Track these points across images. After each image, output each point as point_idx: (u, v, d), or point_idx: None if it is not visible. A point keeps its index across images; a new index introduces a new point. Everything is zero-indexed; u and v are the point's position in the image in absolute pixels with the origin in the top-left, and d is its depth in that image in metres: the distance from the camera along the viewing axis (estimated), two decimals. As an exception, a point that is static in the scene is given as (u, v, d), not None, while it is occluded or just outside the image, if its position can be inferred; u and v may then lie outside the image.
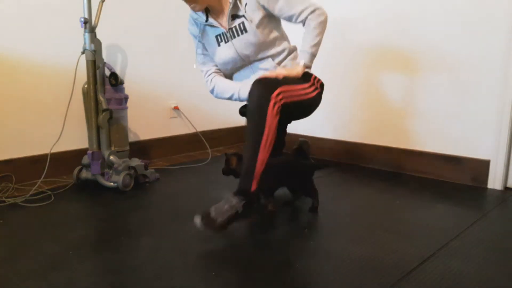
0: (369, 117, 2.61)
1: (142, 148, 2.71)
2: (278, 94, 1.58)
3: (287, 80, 1.67)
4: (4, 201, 1.95)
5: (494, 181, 2.17)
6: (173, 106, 2.87)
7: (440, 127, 2.33)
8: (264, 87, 1.59)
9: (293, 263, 1.39)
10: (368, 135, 2.62)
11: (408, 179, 2.34)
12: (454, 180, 2.30)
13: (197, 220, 1.53)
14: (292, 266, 1.37)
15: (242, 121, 3.35)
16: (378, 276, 1.31)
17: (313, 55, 1.75)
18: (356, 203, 1.97)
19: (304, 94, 1.73)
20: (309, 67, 1.78)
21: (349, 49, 2.64)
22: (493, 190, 2.15)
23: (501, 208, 1.90)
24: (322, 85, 1.86)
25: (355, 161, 2.68)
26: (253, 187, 1.58)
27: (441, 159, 2.33)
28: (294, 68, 1.74)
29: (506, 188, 2.18)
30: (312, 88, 1.78)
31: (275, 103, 1.57)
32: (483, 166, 2.20)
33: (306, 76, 1.78)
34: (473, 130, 2.22)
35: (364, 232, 1.63)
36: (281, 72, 1.69)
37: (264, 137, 1.57)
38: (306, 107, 1.81)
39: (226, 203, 1.56)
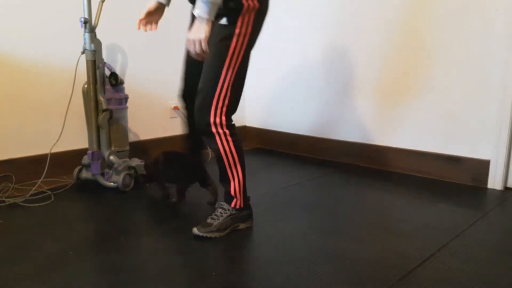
0: (368, 117, 2.61)
1: (142, 148, 2.71)
2: (215, 118, 1.55)
3: (209, 75, 1.55)
4: (4, 201, 1.95)
5: (494, 181, 2.17)
6: (173, 106, 2.87)
7: (440, 127, 2.33)
8: (200, 125, 1.58)
9: (293, 262, 1.39)
10: (368, 135, 2.62)
11: (408, 179, 2.34)
12: (454, 180, 2.30)
13: (195, 230, 1.58)
14: (292, 266, 1.37)
15: (242, 121, 3.35)
16: (378, 276, 1.31)
17: (210, 3, 1.40)
18: (356, 203, 1.97)
19: (231, 70, 1.56)
20: (209, 19, 1.43)
21: (349, 49, 2.64)
22: (493, 190, 2.15)
23: (501, 208, 1.90)
24: (256, 15, 1.56)
25: (355, 161, 2.68)
26: (238, 204, 1.64)
27: (441, 159, 2.33)
28: (198, 30, 1.43)
29: (506, 188, 2.18)
30: (236, 47, 1.54)
31: (218, 132, 1.57)
32: (483, 166, 2.20)
33: (227, 34, 1.52)
34: (473, 130, 2.22)
35: (364, 232, 1.63)
36: (195, 40, 1.44)
37: (226, 162, 1.60)
38: (245, 61, 1.60)
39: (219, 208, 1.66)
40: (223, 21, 1.52)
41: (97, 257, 1.43)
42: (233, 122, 1.63)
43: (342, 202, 1.99)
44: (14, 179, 2.18)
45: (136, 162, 2.23)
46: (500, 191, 2.14)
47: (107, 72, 2.17)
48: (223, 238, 1.58)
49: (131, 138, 2.65)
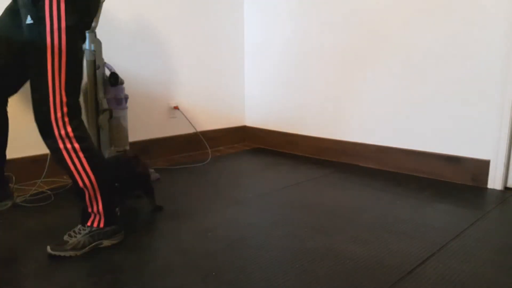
0: (368, 116, 2.61)
1: (142, 148, 2.71)
2: (55, 115, 1.37)
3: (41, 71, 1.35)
4: (4, 201, 1.95)
5: (494, 181, 2.17)
6: (173, 106, 2.87)
7: (440, 127, 2.33)
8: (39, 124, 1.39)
9: (292, 263, 1.39)
10: (368, 134, 2.62)
11: (408, 179, 2.34)
12: (454, 180, 2.30)
13: (48, 248, 1.44)
14: (292, 266, 1.37)
15: (242, 121, 3.35)
16: (378, 276, 1.31)
17: None
18: (356, 203, 1.97)
19: (60, 59, 1.35)
20: None
21: (350, 51, 2.64)
22: (493, 190, 2.15)
23: (501, 208, 1.90)
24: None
25: (355, 161, 2.68)
26: (97, 223, 1.49)
27: (441, 159, 2.33)
28: None
29: (506, 188, 2.18)
30: (55, 33, 1.33)
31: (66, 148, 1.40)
32: (483, 166, 2.20)
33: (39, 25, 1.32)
34: (473, 130, 2.22)
35: (364, 232, 1.63)
36: None
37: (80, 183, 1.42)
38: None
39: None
40: (28, 19, 1.35)
41: (97, 257, 1.43)
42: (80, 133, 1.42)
43: (342, 202, 1.98)
44: (14, 179, 2.18)
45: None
46: (500, 191, 2.14)
47: (107, 72, 2.17)
48: (224, 237, 1.58)
49: (131, 138, 2.64)
